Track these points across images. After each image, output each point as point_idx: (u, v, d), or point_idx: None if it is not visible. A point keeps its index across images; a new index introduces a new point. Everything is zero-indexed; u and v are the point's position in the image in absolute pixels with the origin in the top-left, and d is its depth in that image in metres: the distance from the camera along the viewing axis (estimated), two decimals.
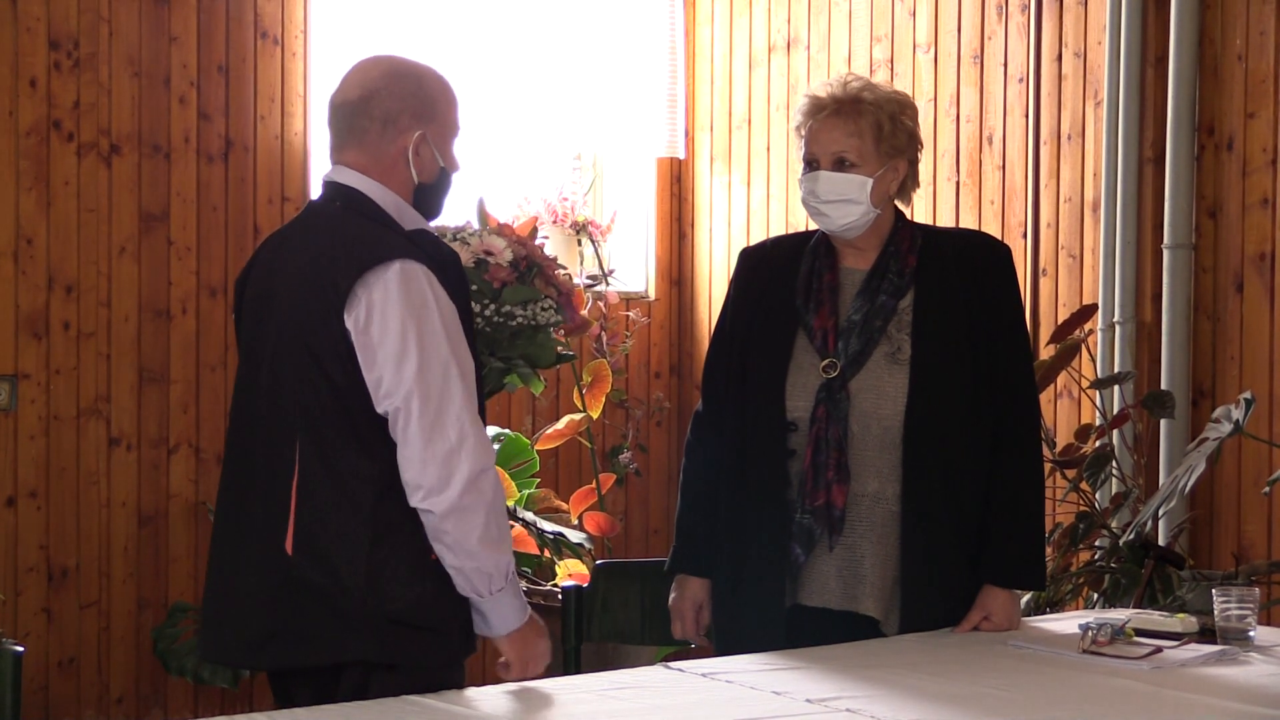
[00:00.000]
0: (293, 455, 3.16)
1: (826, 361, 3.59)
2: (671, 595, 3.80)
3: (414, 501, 3.14)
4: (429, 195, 3.34)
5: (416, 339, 3.12)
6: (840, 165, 3.62)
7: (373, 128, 3.27)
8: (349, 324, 3.13)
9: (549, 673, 3.28)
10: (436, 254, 3.26)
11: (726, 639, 3.68)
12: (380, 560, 3.14)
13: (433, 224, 3.42)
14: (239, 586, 3.25)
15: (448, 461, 3.11)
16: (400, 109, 3.27)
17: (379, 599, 3.14)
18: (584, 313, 6.13)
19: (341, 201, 3.28)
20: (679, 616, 3.78)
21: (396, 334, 3.12)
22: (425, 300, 3.15)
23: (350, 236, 3.21)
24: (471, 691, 3.06)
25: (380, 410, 3.14)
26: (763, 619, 3.59)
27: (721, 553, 3.70)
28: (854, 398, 3.57)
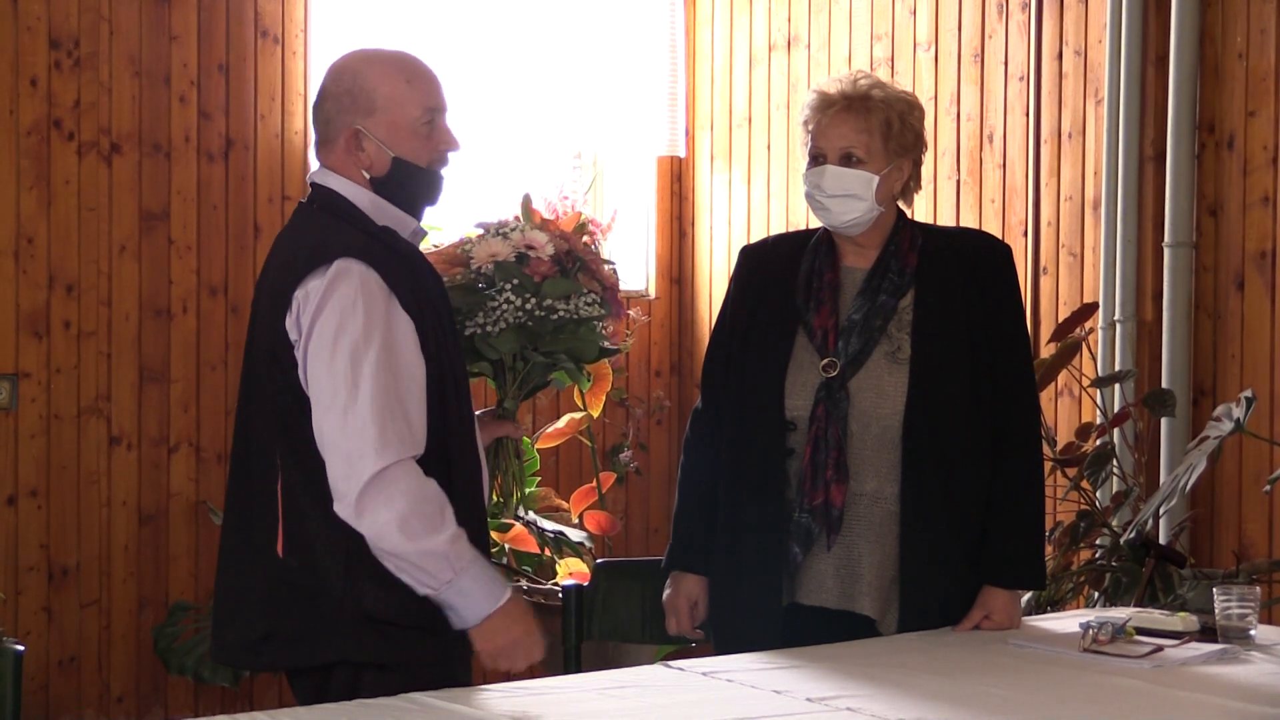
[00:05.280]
0: (275, 460, 3.17)
1: (826, 361, 3.59)
2: (666, 591, 3.80)
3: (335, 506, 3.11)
4: (391, 188, 3.27)
5: (333, 339, 3.10)
6: (847, 161, 3.62)
7: (326, 130, 3.28)
8: (289, 328, 3.15)
9: (545, 669, 3.28)
10: (399, 251, 3.24)
11: (723, 637, 3.68)
12: (359, 561, 3.14)
13: (477, 220, 3.40)
14: (240, 588, 3.26)
15: (345, 463, 3.08)
16: (336, 108, 3.26)
17: (357, 598, 3.14)
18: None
19: (318, 202, 3.29)
20: (673, 612, 3.78)
21: (317, 335, 3.11)
22: (352, 299, 3.12)
23: (304, 240, 3.22)
24: (473, 689, 3.06)
25: None
26: (760, 617, 3.60)
27: (719, 550, 3.71)
28: (853, 397, 3.57)
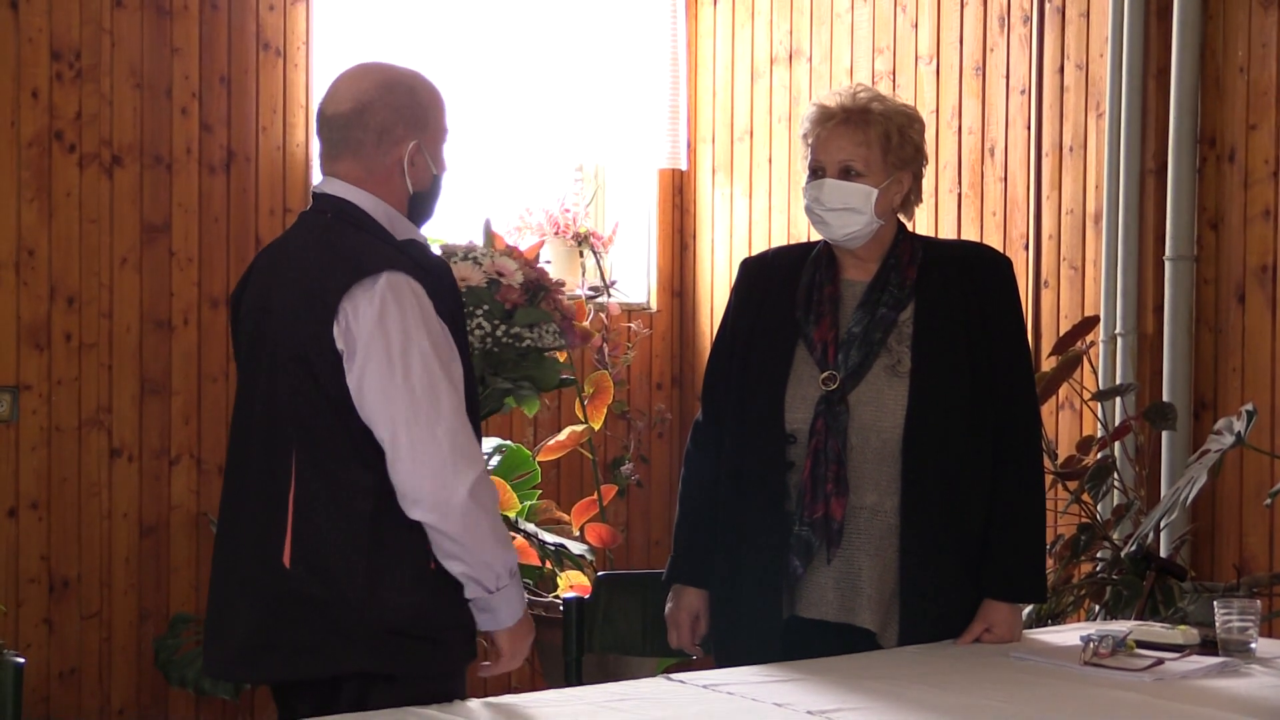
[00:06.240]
0: (289, 467, 3.16)
1: (826, 374, 3.59)
2: (668, 605, 3.80)
3: (414, 514, 3.13)
4: (423, 202, 3.35)
5: (402, 352, 3.12)
6: (846, 174, 3.62)
7: (368, 139, 3.27)
8: (336, 336, 3.14)
9: (550, 684, 3.28)
10: (426, 263, 3.26)
11: (724, 650, 3.68)
12: (379, 570, 3.14)
13: (444, 244, 3.43)
14: (237, 600, 3.25)
15: (442, 472, 3.11)
16: (394, 120, 3.27)
17: (378, 609, 3.14)
18: (585, 323, 6.14)
19: (332, 213, 3.28)
20: (675, 626, 3.78)
21: (382, 348, 3.12)
22: (411, 312, 3.15)
23: (340, 249, 3.21)
24: (473, 702, 3.06)
25: (366, 421, 3.14)
26: (760, 630, 3.59)
27: (719, 563, 3.71)
28: (853, 410, 3.57)
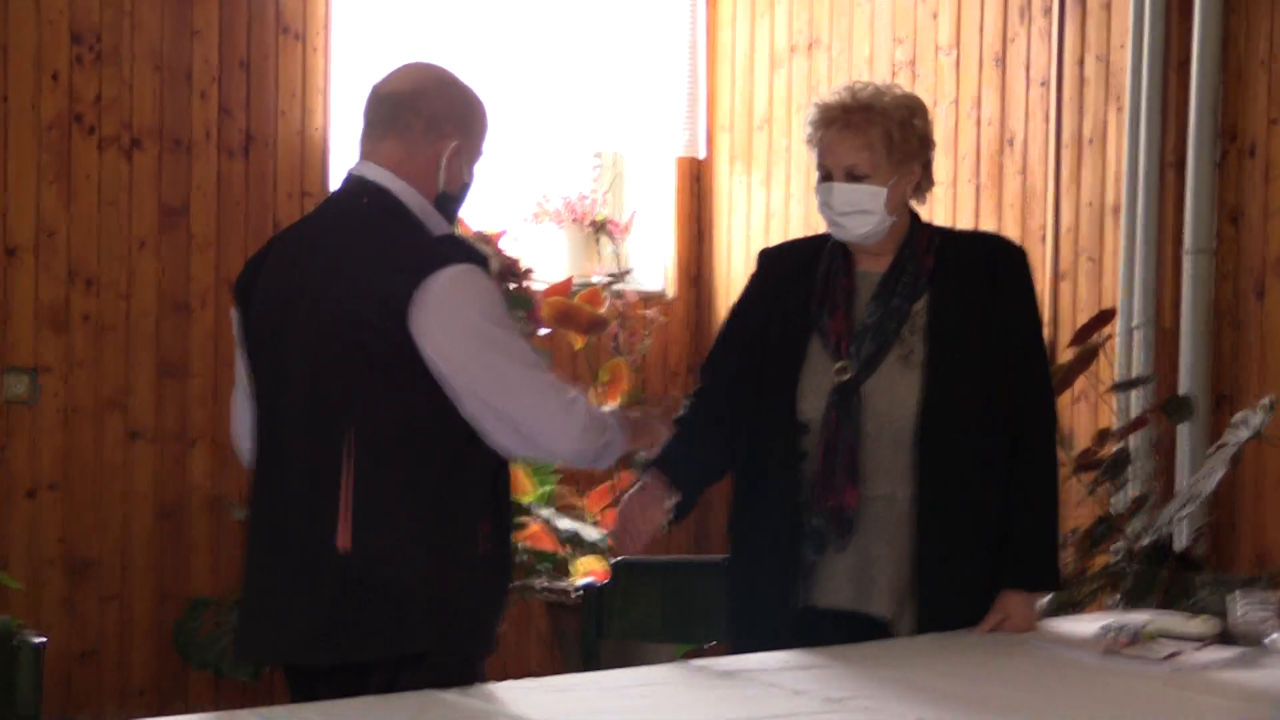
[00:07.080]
0: (341, 454, 3.15)
1: (840, 364, 3.59)
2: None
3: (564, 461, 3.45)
4: (447, 205, 3.36)
5: (502, 346, 3.18)
6: (853, 177, 3.62)
7: (417, 124, 3.28)
8: (414, 332, 3.13)
9: (568, 669, 3.29)
10: (474, 255, 3.27)
11: (739, 638, 3.69)
12: (438, 553, 3.16)
13: None
14: (288, 586, 3.23)
15: (572, 431, 3.24)
16: (447, 114, 3.30)
17: (442, 590, 3.16)
18: (602, 311, 6.15)
19: (369, 198, 3.28)
20: (622, 518, 3.72)
21: (478, 347, 3.16)
22: (490, 301, 3.21)
23: (394, 240, 3.21)
24: (493, 687, 3.07)
25: (472, 416, 3.18)
26: (773, 619, 3.60)
27: (734, 552, 3.72)
28: (867, 400, 3.57)
